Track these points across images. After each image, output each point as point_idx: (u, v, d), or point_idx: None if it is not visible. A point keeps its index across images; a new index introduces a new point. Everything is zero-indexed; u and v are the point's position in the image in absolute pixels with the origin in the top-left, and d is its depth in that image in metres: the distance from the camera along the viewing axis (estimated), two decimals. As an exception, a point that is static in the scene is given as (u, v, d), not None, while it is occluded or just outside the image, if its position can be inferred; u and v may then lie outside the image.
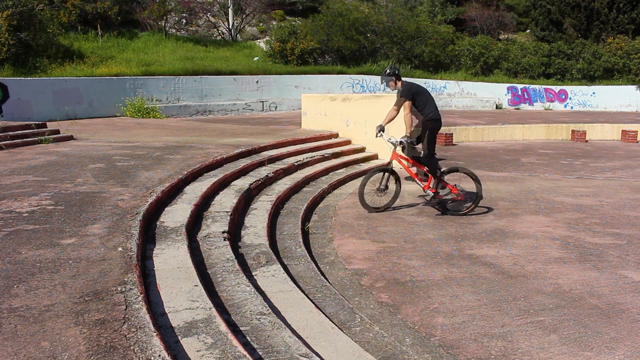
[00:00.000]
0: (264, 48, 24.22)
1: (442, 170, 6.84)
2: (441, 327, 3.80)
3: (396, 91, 6.90)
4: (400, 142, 6.65)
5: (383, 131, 6.75)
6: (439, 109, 6.81)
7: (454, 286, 4.53)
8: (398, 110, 6.73)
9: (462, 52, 26.70)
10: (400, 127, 6.97)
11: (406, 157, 6.87)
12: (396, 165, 6.94)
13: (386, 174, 6.81)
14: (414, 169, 7.03)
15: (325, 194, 7.90)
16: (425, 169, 6.82)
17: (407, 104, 6.57)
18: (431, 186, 6.79)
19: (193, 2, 24.92)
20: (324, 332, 3.13)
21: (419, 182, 6.92)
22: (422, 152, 6.83)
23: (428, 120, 6.68)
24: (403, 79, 6.80)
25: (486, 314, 4.01)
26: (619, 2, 28.64)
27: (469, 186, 6.97)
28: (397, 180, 6.95)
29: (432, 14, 30.93)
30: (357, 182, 9.11)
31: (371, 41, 25.08)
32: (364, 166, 10.06)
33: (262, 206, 6.14)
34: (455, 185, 6.84)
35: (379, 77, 25.27)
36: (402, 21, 25.47)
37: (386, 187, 6.85)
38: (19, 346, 2.36)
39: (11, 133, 8.92)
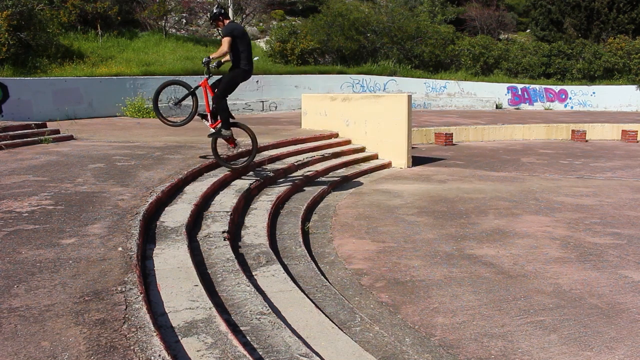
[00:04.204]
0: (264, 48, 24.23)
1: (230, 122, 6.74)
2: (441, 327, 3.80)
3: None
4: (205, 60, 6.43)
5: (210, 64, 6.45)
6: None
7: (454, 286, 4.53)
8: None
9: (462, 52, 26.71)
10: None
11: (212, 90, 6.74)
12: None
13: (190, 95, 6.86)
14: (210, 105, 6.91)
15: (325, 193, 7.90)
16: (212, 108, 6.71)
17: (226, 39, 6.31)
18: (217, 127, 6.72)
19: (193, 2, 24.92)
20: (324, 332, 3.13)
21: (209, 118, 6.81)
22: (214, 92, 6.64)
23: (237, 68, 6.48)
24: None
25: (486, 314, 4.01)
26: (619, 2, 28.65)
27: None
28: (195, 104, 6.95)
29: (432, 14, 30.95)
30: (357, 182, 9.13)
31: (371, 41, 25.09)
32: (364, 166, 10.07)
33: (262, 206, 6.14)
34: (234, 140, 6.96)
35: (379, 76, 25.26)
36: (402, 21, 25.49)
37: (179, 104, 7.36)
38: (19, 346, 2.36)
39: (11, 133, 8.91)
